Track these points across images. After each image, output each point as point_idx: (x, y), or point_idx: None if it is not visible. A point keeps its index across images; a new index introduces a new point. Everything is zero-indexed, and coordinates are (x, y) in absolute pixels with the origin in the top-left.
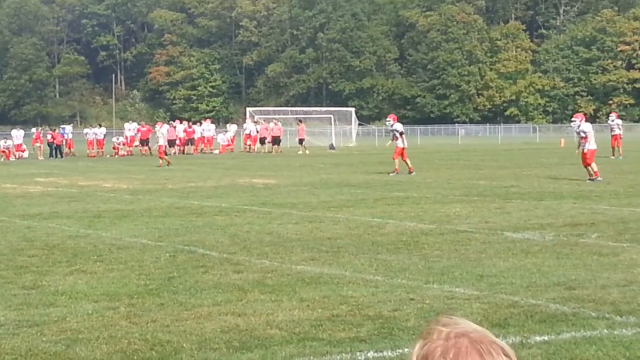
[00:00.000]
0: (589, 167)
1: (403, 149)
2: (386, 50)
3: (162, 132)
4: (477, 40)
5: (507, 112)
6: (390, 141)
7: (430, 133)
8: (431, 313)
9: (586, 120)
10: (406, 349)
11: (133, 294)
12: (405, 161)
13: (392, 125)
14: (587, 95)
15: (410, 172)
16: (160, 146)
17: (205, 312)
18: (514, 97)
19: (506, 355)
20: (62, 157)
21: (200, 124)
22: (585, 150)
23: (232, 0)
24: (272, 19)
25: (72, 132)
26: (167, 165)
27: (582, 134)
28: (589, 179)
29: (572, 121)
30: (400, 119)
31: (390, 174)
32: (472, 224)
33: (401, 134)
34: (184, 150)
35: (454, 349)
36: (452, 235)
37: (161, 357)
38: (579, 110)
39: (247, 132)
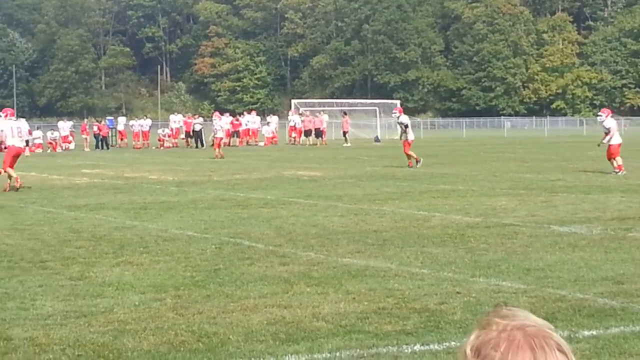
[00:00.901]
0: (613, 161)
1: (412, 141)
2: (431, 42)
3: (221, 124)
4: (523, 32)
5: (554, 105)
6: (403, 134)
7: (476, 125)
8: (478, 307)
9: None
10: (453, 343)
11: (179, 285)
12: (407, 154)
13: (398, 118)
14: (635, 88)
15: (409, 167)
16: (218, 138)
17: (252, 304)
18: (560, 90)
19: (561, 351)
20: (108, 148)
21: (242, 115)
22: (608, 144)
23: None
24: (317, 11)
25: (124, 124)
26: (220, 158)
27: (605, 130)
28: (614, 172)
29: (598, 115)
30: (445, 111)
31: (412, 167)
32: (519, 217)
33: (406, 126)
34: (229, 142)
35: (506, 342)
36: (499, 229)
37: (208, 348)
38: (627, 103)
39: (291, 124)
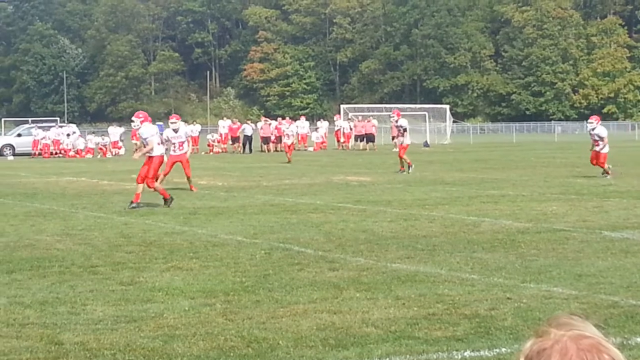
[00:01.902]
0: (602, 168)
1: (407, 146)
2: (481, 47)
3: (292, 129)
4: (573, 36)
5: (605, 110)
6: (400, 138)
7: (526, 130)
8: (528, 312)
9: None
10: (503, 349)
11: (229, 290)
12: (402, 158)
13: (396, 121)
14: None
15: (401, 171)
16: (287, 144)
17: (301, 309)
18: (612, 95)
19: None
20: None
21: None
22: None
23: None
24: (366, 16)
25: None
26: (288, 162)
27: (597, 137)
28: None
29: (589, 122)
30: (495, 116)
31: (404, 172)
32: (570, 223)
33: (404, 130)
34: (277, 147)
35: (558, 355)
36: (549, 234)
37: (257, 354)
38: None
39: (336, 129)
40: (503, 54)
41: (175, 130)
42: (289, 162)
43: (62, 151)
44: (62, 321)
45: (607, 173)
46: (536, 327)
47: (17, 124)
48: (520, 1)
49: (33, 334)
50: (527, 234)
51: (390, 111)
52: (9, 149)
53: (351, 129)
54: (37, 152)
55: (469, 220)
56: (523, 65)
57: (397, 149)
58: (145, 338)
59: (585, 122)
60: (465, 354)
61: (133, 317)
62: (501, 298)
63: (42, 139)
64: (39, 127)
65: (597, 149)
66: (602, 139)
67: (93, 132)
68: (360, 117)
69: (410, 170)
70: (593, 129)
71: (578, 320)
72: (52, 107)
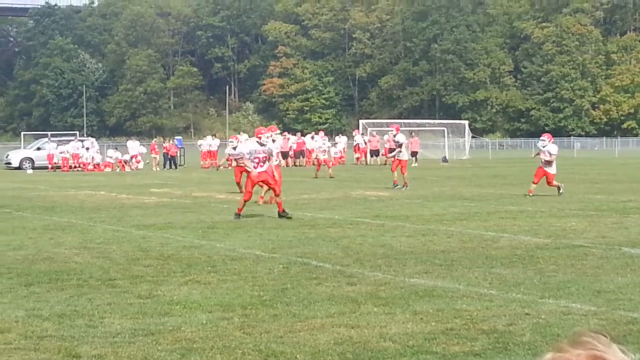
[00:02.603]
0: (554, 186)
1: (406, 161)
2: (500, 62)
3: (327, 144)
4: (593, 52)
5: (625, 125)
6: (398, 152)
7: None
8: (547, 328)
9: None
10: None
11: (247, 304)
12: (395, 173)
13: (394, 136)
14: None
15: (395, 185)
16: (320, 160)
17: (319, 323)
18: (632, 110)
19: None
20: (176, 168)
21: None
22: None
23: (345, 12)
24: (385, 31)
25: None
26: (330, 178)
27: (548, 155)
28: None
29: (541, 140)
30: (514, 132)
31: (403, 188)
32: (589, 239)
33: (400, 145)
34: (295, 162)
35: None
36: (568, 250)
37: None
38: None
39: (354, 143)
40: (522, 69)
41: (234, 148)
42: (315, 177)
43: (81, 165)
44: (79, 334)
45: (560, 188)
46: (557, 342)
47: (37, 137)
48: (540, 17)
49: (51, 347)
50: (545, 250)
51: (409, 126)
52: (29, 163)
53: (366, 144)
54: (51, 166)
55: (488, 236)
56: (542, 82)
57: (416, 164)
58: (163, 351)
59: (604, 137)
60: None
61: (151, 331)
62: (519, 314)
63: (60, 152)
64: (53, 141)
65: (548, 169)
66: (552, 156)
67: (115, 147)
68: (374, 133)
69: (404, 188)
70: (544, 147)
71: (602, 340)
72: (72, 120)
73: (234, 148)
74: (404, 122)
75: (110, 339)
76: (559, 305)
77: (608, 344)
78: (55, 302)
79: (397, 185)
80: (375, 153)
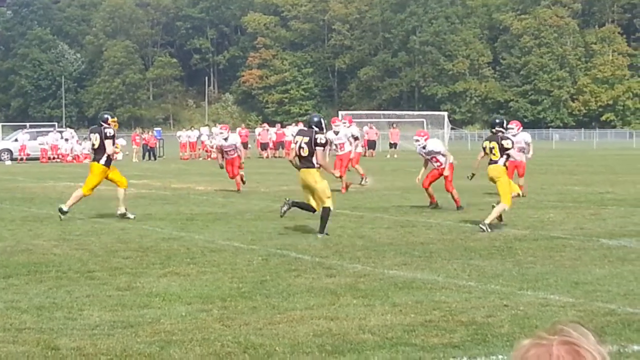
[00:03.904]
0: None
1: (359, 154)
2: (479, 54)
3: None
4: (571, 44)
5: (603, 117)
6: (357, 144)
7: None
8: (525, 320)
9: None
10: (500, 356)
11: (226, 296)
12: (354, 167)
13: (348, 127)
14: None
15: (363, 178)
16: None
17: (298, 315)
18: (610, 102)
19: None
20: (155, 159)
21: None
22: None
23: (324, 3)
24: (365, 22)
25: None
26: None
27: (523, 143)
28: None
29: (509, 128)
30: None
31: (362, 183)
32: (567, 230)
33: (356, 138)
34: (275, 153)
35: (536, 358)
36: (546, 242)
37: None
38: None
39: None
40: (501, 61)
41: (225, 139)
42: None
43: (60, 156)
44: (58, 326)
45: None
46: (536, 330)
47: (15, 128)
48: (519, 9)
49: (30, 339)
50: (524, 242)
51: (388, 118)
52: (7, 154)
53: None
54: (21, 158)
55: (466, 228)
56: (521, 74)
57: (396, 156)
58: (142, 344)
59: (583, 129)
60: None
61: (130, 323)
62: (498, 305)
63: (39, 144)
64: (26, 133)
65: (518, 157)
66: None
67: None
68: (372, 125)
69: (364, 182)
70: (514, 135)
71: (578, 329)
72: (50, 112)
73: (225, 139)
74: (383, 114)
75: (89, 331)
76: (537, 296)
77: (584, 333)
78: (34, 294)
79: (365, 179)
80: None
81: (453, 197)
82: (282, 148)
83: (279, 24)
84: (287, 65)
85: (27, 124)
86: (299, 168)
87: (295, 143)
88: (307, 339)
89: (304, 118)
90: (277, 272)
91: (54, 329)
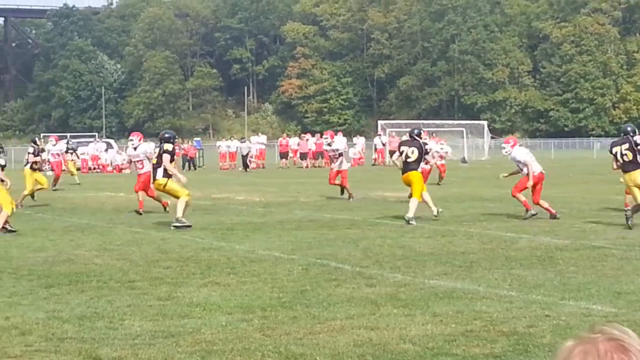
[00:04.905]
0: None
1: (345, 171)
2: (519, 62)
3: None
4: (613, 52)
5: None
6: (335, 163)
7: (565, 146)
8: (567, 330)
9: None
10: None
11: (266, 306)
12: (346, 187)
13: (329, 144)
14: None
15: (350, 197)
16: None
17: (338, 325)
18: None
19: None
20: (195, 169)
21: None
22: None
23: (363, 13)
24: (403, 31)
25: (263, 144)
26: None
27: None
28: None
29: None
30: (533, 132)
31: (350, 200)
32: (609, 240)
33: (340, 154)
34: (314, 163)
35: (582, 354)
36: (588, 251)
37: None
38: None
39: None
40: (541, 69)
41: (135, 148)
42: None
43: (101, 166)
44: (100, 336)
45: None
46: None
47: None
48: (558, 17)
49: (71, 349)
50: (565, 251)
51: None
52: (48, 165)
53: (384, 145)
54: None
55: (507, 237)
56: (561, 82)
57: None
58: (183, 353)
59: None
60: None
61: (171, 332)
62: (539, 315)
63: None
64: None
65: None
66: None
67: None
68: (394, 133)
69: (350, 200)
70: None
71: (618, 327)
72: (91, 122)
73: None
74: (423, 123)
75: (131, 341)
76: (579, 306)
77: (624, 331)
78: (76, 304)
79: (352, 198)
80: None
81: (542, 207)
82: (322, 158)
83: (317, 33)
84: (326, 75)
85: (68, 134)
86: (404, 172)
87: (402, 152)
88: (348, 349)
89: (344, 127)
90: (317, 281)
91: (96, 338)
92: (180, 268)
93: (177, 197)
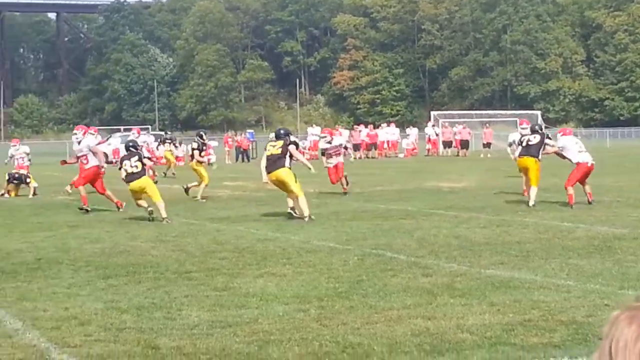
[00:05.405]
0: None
1: (343, 163)
2: (572, 52)
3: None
4: None
5: None
6: (334, 158)
7: (620, 136)
8: None
9: None
10: None
11: (323, 296)
12: (345, 177)
13: (329, 142)
14: None
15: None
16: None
17: (395, 315)
18: None
19: None
20: (249, 161)
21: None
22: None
23: (414, 4)
24: (455, 22)
25: (318, 135)
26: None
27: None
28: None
29: (521, 128)
30: (587, 122)
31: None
32: None
33: (346, 148)
34: (367, 154)
35: (628, 320)
36: None
37: (352, 359)
38: None
39: (427, 135)
40: (595, 59)
41: (79, 143)
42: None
43: (155, 159)
44: (158, 326)
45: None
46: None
47: (110, 132)
48: (612, 6)
49: (130, 339)
50: (623, 240)
51: (480, 117)
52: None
53: (437, 135)
54: (116, 160)
55: (564, 227)
56: (616, 71)
57: (489, 156)
58: (241, 343)
59: None
60: None
61: (228, 323)
62: (598, 305)
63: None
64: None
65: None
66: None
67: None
68: (446, 124)
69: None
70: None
71: None
72: (143, 115)
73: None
74: (475, 113)
75: (189, 331)
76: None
77: None
78: (133, 295)
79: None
80: (448, 144)
81: (567, 193)
82: (375, 149)
83: (368, 25)
84: (378, 66)
85: (122, 127)
86: (520, 156)
87: (521, 142)
88: (405, 339)
89: (396, 118)
90: (373, 271)
91: (154, 328)
92: (236, 259)
93: (290, 192)
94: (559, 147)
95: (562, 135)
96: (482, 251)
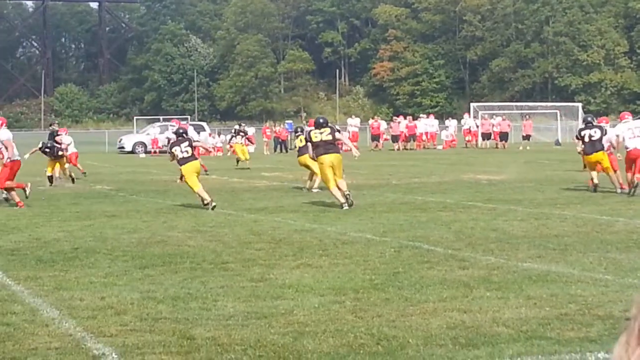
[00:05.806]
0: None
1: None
2: (615, 44)
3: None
4: None
5: None
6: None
7: None
8: None
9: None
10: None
11: (358, 288)
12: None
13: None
14: None
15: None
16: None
17: (431, 307)
18: None
19: None
20: (287, 151)
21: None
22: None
23: None
24: (496, 13)
25: (357, 126)
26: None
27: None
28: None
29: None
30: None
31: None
32: None
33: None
34: (406, 145)
35: None
36: None
37: (387, 351)
38: None
39: (465, 127)
40: (638, 51)
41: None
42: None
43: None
44: (193, 316)
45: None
46: None
47: (150, 122)
48: None
49: (165, 329)
50: None
51: (521, 109)
52: (141, 147)
53: (477, 127)
54: (155, 150)
55: (602, 220)
56: None
57: (528, 148)
58: (276, 334)
59: None
60: (599, 355)
61: (263, 314)
62: None
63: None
64: (156, 126)
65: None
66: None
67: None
68: (486, 116)
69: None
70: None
71: None
72: (183, 105)
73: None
74: (516, 105)
75: (224, 322)
76: None
77: None
78: (169, 285)
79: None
80: (486, 136)
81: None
82: (414, 140)
83: (409, 15)
84: (418, 57)
85: (161, 117)
86: (589, 152)
87: (583, 137)
88: (441, 331)
89: (436, 110)
90: (409, 264)
91: (189, 319)
92: (273, 250)
93: (339, 177)
94: (616, 135)
95: (620, 121)
96: (520, 244)
